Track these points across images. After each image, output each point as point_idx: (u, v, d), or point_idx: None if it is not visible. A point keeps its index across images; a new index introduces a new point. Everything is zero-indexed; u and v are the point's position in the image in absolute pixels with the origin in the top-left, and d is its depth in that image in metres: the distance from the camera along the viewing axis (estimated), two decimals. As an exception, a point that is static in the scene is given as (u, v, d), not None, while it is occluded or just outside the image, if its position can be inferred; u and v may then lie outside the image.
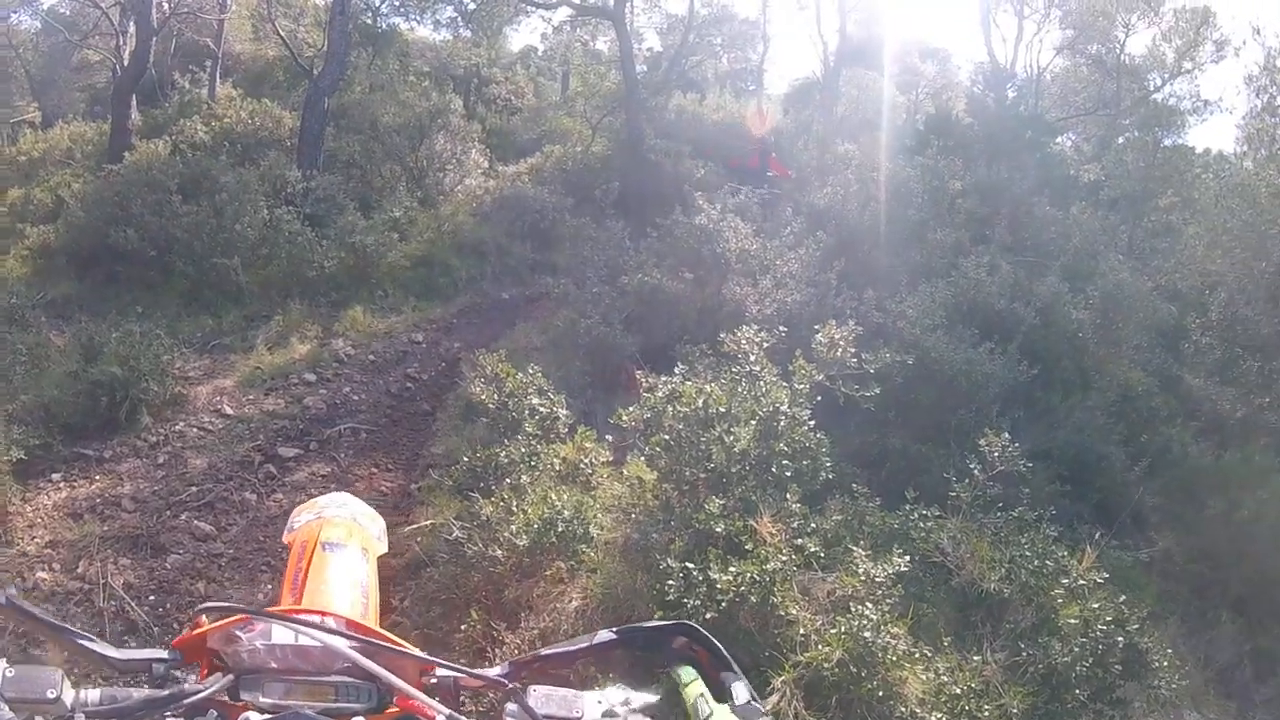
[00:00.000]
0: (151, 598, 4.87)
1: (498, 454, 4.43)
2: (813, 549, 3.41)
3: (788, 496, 3.69)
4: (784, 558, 3.20)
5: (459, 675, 1.07)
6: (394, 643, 1.08)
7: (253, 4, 18.10)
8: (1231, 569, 6.21)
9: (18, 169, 13.57)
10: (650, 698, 1.07)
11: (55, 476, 5.68)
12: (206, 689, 1.01)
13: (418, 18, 19.44)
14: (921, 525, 3.83)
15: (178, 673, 1.07)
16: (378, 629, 1.17)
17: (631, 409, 4.27)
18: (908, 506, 3.97)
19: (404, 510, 5.94)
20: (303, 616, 1.09)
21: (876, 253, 8.65)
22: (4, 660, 0.94)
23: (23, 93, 17.36)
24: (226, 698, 1.04)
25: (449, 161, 13.52)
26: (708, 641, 1.11)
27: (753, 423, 3.95)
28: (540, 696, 1.03)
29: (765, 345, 4.54)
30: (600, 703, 1.05)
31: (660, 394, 4.16)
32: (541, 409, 4.70)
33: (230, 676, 1.05)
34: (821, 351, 4.63)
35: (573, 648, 1.16)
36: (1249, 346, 8.89)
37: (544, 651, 1.16)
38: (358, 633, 1.10)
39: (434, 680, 1.11)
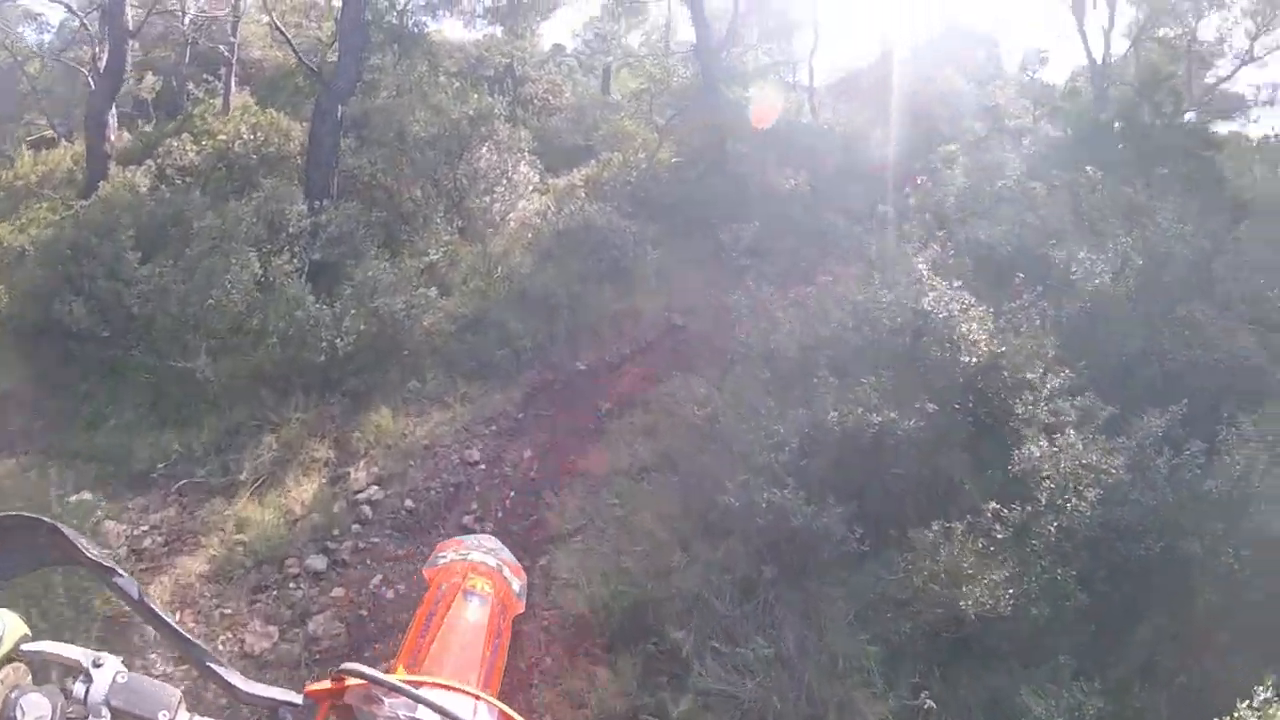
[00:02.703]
0: None
1: None
2: None
3: None
4: None
5: None
6: None
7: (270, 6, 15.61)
8: None
9: (9, 195, 10.98)
10: None
11: None
12: None
13: (446, 11, 16.95)
14: None
15: None
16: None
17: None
18: None
19: None
20: (454, 703, 0.94)
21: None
22: (120, 661, 0.80)
23: (36, 109, 14.98)
24: None
25: (497, 181, 10.66)
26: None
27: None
28: None
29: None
30: None
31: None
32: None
33: None
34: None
35: None
36: None
37: None
38: None
39: None
